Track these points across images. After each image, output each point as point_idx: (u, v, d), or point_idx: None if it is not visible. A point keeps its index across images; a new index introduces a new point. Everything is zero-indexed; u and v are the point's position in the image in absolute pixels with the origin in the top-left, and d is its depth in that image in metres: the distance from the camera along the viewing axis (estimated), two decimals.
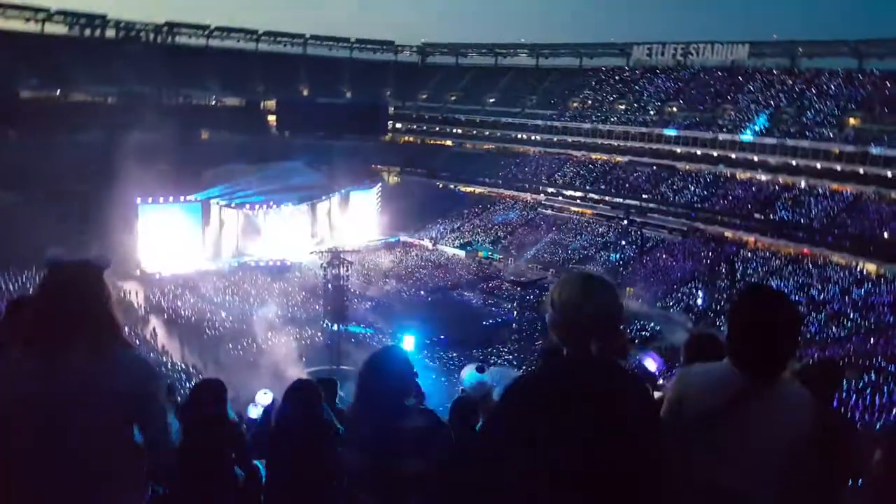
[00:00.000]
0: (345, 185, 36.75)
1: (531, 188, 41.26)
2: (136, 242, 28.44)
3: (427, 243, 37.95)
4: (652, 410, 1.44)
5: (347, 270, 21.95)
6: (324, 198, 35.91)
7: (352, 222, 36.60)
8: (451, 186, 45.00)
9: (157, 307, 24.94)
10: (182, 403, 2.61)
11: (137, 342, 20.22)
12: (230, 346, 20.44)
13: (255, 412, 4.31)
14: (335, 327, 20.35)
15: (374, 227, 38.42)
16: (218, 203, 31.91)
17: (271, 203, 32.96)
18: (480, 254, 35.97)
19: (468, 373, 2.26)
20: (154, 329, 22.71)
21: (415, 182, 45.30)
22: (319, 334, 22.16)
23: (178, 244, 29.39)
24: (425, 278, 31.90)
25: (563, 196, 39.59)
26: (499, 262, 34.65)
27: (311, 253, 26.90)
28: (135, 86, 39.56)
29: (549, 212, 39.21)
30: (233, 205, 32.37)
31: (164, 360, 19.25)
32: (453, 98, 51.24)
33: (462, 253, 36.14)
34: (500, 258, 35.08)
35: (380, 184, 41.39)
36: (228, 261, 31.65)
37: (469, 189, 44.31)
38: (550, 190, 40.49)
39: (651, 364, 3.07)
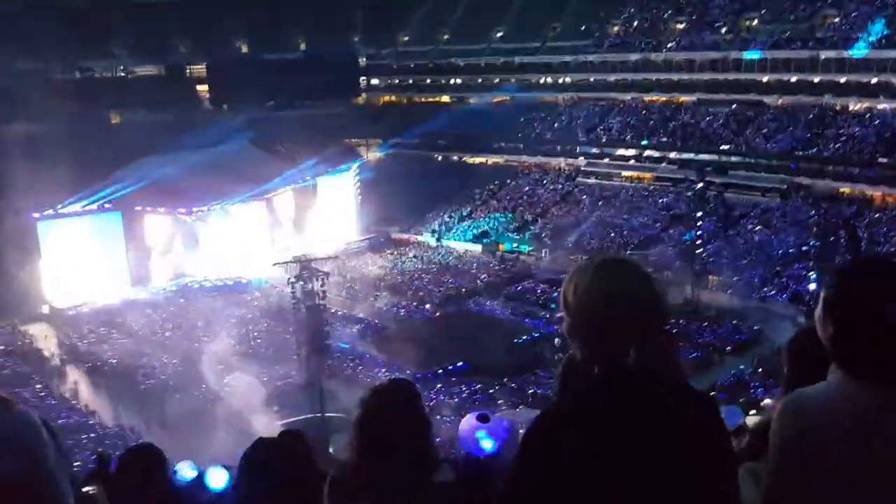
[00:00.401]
0: (309, 168, 37.10)
1: (565, 151, 41.22)
2: (38, 270, 29.07)
3: (428, 239, 38.08)
4: (723, 438, 1.43)
5: (323, 284, 22.28)
6: (282, 189, 36.27)
7: (323, 219, 37.00)
8: (455, 158, 45.25)
9: (76, 354, 25.52)
10: (111, 478, 2.71)
11: (53, 402, 20.66)
12: (178, 397, 20.88)
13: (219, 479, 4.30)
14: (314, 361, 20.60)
15: (354, 222, 38.93)
16: (142, 209, 32.45)
17: (212, 203, 33.43)
18: (502, 246, 36.15)
19: (467, 424, 2.23)
20: (75, 383, 23.25)
21: (404, 157, 45.66)
22: (294, 372, 22.50)
23: (94, 267, 30.13)
24: (430, 286, 32.15)
25: (610, 158, 39.43)
26: (529, 256, 34.76)
27: (274, 265, 27.22)
28: (18, 62, 40.22)
29: (591, 181, 39.16)
30: (161, 209, 32.90)
31: (91, 422, 19.69)
32: (446, 37, 51.37)
33: (478, 248, 36.35)
34: (531, 250, 35.17)
35: (357, 163, 41.74)
36: (163, 285, 32.22)
37: (480, 160, 44.49)
38: (592, 150, 40.40)
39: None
